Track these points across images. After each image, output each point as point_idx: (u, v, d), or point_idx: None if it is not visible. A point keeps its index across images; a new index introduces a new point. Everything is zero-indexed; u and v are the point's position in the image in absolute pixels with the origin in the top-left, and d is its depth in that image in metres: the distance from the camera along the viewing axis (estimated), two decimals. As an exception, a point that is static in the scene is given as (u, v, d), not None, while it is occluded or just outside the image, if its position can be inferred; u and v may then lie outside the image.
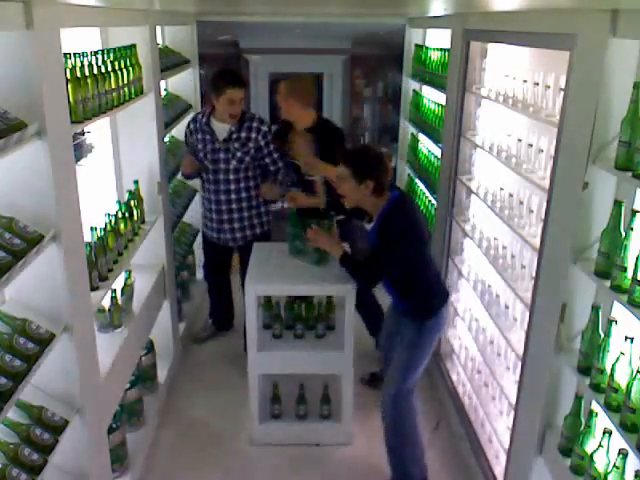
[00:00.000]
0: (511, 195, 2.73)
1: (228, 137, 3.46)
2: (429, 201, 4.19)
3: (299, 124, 3.55)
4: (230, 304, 4.24)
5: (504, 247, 2.80)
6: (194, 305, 4.52)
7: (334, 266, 3.06)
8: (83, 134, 3.47)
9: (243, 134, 3.47)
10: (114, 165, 3.31)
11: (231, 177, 3.51)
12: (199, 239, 4.84)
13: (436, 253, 3.78)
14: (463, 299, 3.52)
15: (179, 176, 4.20)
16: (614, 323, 1.79)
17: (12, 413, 1.85)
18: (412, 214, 2.62)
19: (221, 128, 3.48)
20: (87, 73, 2.34)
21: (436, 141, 3.92)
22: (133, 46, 3.00)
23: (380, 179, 2.53)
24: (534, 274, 2.32)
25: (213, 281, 4.16)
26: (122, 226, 2.83)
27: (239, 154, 3.47)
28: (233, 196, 3.55)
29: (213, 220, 3.66)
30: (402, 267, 2.63)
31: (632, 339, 1.71)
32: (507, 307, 2.76)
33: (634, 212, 1.70)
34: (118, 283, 2.82)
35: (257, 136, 3.48)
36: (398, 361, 2.73)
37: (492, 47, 3.15)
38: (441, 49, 3.86)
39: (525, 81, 2.58)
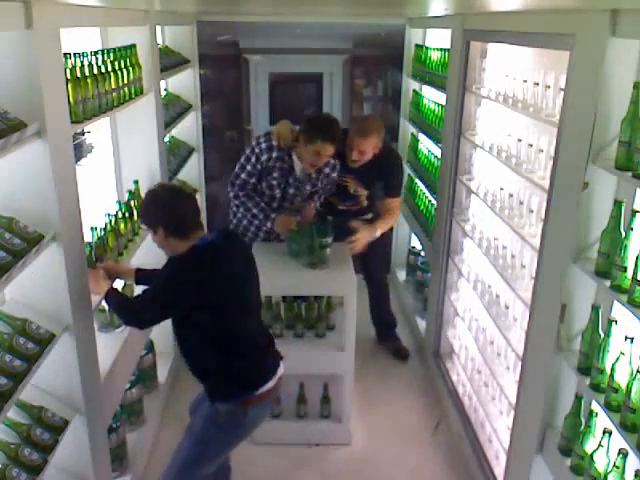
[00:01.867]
0: (511, 195, 2.73)
1: (303, 178, 3.38)
2: (429, 201, 4.19)
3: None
4: None
5: (504, 247, 2.80)
6: (194, 305, 4.52)
7: (333, 267, 3.07)
8: (83, 134, 3.47)
9: (314, 175, 3.42)
10: (114, 165, 3.31)
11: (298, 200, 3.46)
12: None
13: (436, 253, 3.78)
14: (463, 299, 3.52)
15: (180, 175, 4.20)
16: (614, 323, 1.79)
17: (12, 413, 1.86)
18: (209, 268, 2.21)
19: (299, 166, 3.34)
20: (87, 73, 2.34)
21: (436, 141, 3.92)
22: (133, 46, 3.00)
23: (170, 223, 2.24)
24: (534, 274, 2.32)
25: None
26: (122, 226, 2.83)
27: (306, 193, 3.46)
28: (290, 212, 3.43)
29: (251, 235, 3.50)
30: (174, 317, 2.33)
31: (632, 339, 1.71)
32: (507, 307, 2.76)
33: (634, 212, 1.70)
34: (118, 283, 2.82)
35: (324, 178, 3.46)
36: (179, 450, 2.36)
37: (492, 47, 3.15)
38: (441, 49, 3.86)
39: (525, 81, 2.58)
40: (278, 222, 3.31)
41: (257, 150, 3.30)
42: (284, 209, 3.41)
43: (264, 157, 3.29)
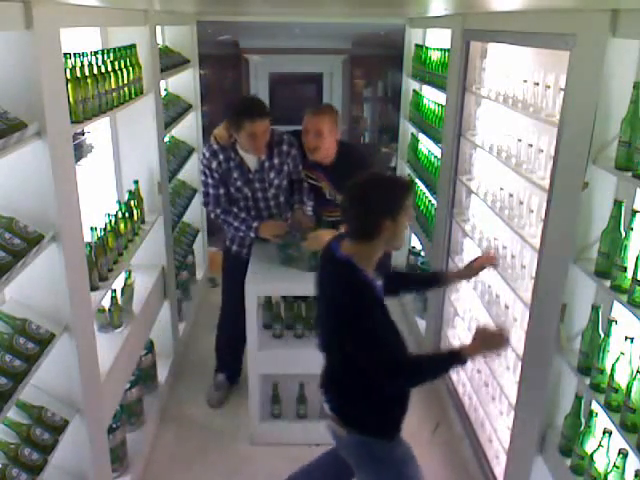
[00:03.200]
0: (511, 195, 2.73)
1: (259, 168, 3.24)
2: (429, 201, 4.19)
3: (327, 159, 3.36)
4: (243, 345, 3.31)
5: (504, 247, 2.80)
6: (194, 305, 4.53)
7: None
8: (83, 134, 3.47)
9: (276, 161, 3.27)
10: (114, 165, 3.31)
11: (271, 203, 3.34)
12: (199, 239, 4.86)
13: (436, 253, 3.78)
14: (463, 299, 3.52)
15: (180, 175, 4.20)
16: (614, 323, 1.79)
17: (12, 413, 1.86)
18: None
19: (250, 157, 3.22)
20: (87, 73, 2.34)
21: (436, 141, 3.92)
22: (133, 46, 3.00)
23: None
24: (534, 274, 2.32)
25: (240, 306, 3.05)
26: (122, 226, 2.83)
27: (276, 182, 3.31)
28: (275, 213, 3.37)
29: (252, 239, 3.35)
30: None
31: (632, 339, 1.71)
32: (507, 307, 2.76)
33: (634, 212, 1.70)
34: (118, 283, 2.82)
35: (287, 158, 3.31)
36: None
37: (492, 47, 3.15)
38: (441, 49, 3.86)
39: (525, 81, 2.58)
40: (264, 229, 3.22)
41: (205, 162, 3.22)
42: (264, 210, 3.33)
43: (214, 164, 3.20)
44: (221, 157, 3.21)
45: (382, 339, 1.95)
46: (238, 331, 3.19)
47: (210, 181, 3.24)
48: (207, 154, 3.23)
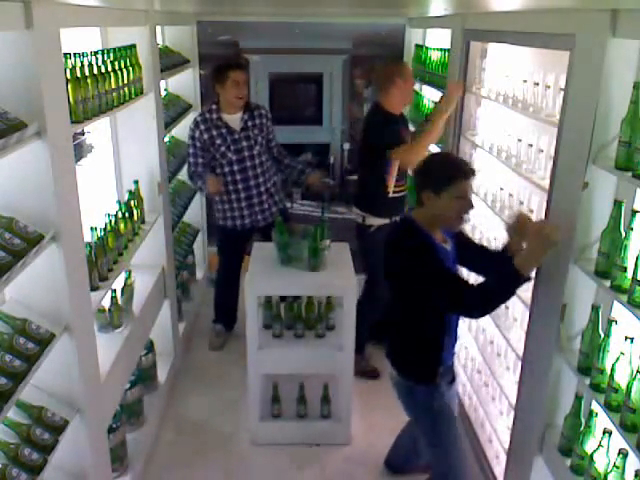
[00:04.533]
0: (511, 195, 2.72)
1: (244, 126, 3.67)
2: (429, 201, 4.18)
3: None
4: (237, 301, 4.20)
5: (504, 247, 2.80)
6: (194, 305, 4.52)
7: (333, 268, 3.06)
8: (83, 134, 3.47)
9: (257, 121, 3.73)
10: (114, 165, 3.31)
11: (256, 162, 3.73)
12: (199, 239, 4.86)
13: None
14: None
15: (180, 175, 4.20)
16: (614, 323, 1.79)
17: (12, 413, 1.85)
18: None
19: (233, 120, 3.67)
20: (87, 73, 2.34)
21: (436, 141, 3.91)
22: (133, 46, 3.00)
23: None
24: (534, 274, 2.32)
25: (234, 273, 4.05)
26: (122, 226, 2.83)
27: (259, 139, 3.73)
28: (261, 179, 3.77)
29: (243, 208, 3.80)
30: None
31: (632, 339, 1.71)
32: (507, 307, 2.76)
33: (634, 212, 1.70)
34: (118, 283, 2.82)
35: (267, 121, 3.78)
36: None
37: (492, 47, 3.15)
38: (441, 49, 3.86)
39: (525, 81, 2.58)
40: (210, 183, 3.58)
41: (189, 133, 3.70)
42: (250, 169, 3.70)
43: (197, 133, 3.66)
44: (202, 127, 3.66)
45: (445, 275, 2.15)
46: (232, 290, 4.09)
47: (191, 150, 3.70)
48: (192, 126, 3.70)
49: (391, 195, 3.51)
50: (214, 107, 3.69)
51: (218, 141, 3.64)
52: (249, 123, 3.70)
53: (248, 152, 3.69)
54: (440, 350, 2.33)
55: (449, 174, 2.15)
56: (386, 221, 3.52)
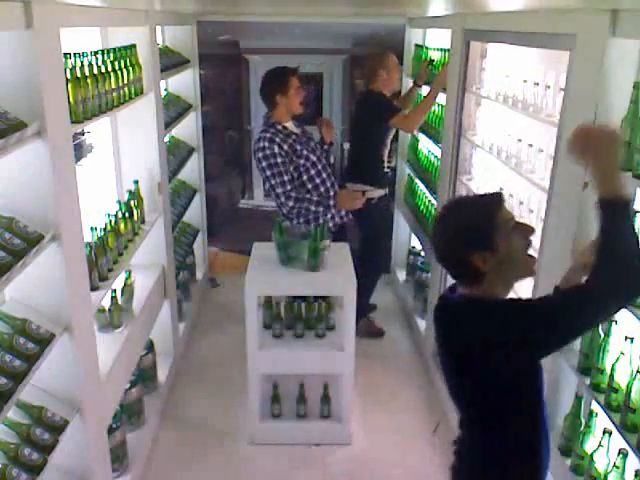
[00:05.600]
0: (511, 195, 2.73)
1: (303, 131, 3.52)
2: (429, 201, 4.19)
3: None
4: None
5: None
6: (194, 305, 4.53)
7: (333, 268, 3.06)
8: (83, 134, 3.46)
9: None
10: (114, 165, 3.31)
11: (325, 161, 3.54)
12: (199, 239, 4.86)
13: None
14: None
15: (180, 175, 4.20)
16: (614, 323, 1.79)
17: (12, 413, 1.85)
18: None
19: (291, 125, 3.45)
20: (87, 73, 2.34)
21: (436, 141, 3.92)
22: (133, 46, 3.00)
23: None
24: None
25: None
26: (122, 226, 2.83)
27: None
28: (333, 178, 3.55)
29: (331, 206, 3.40)
30: None
31: (632, 339, 1.71)
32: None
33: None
34: (118, 283, 2.82)
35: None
36: None
37: (492, 47, 3.15)
38: (441, 49, 3.86)
39: (525, 81, 2.58)
40: (341, 200, 3.38)
41: (268, 152, 3.27)
42: (329, 174, 3.47)
43: (276, 149, 3.27)
44: (278, 139, 3.29)
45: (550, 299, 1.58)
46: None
47: (275, 171, 3.27)
48: (265, 144, 3.27)
49: (385, 168, 3.98)
50: (272, 119, 3.38)
51: (298, 146, 3.34)
52: (302, 128, 3.55)
53: (317, 157, 3.45)
54: (540, 457, 1.69)
55: (488, 218, 1.55)
56: (384, 192, 4.00)
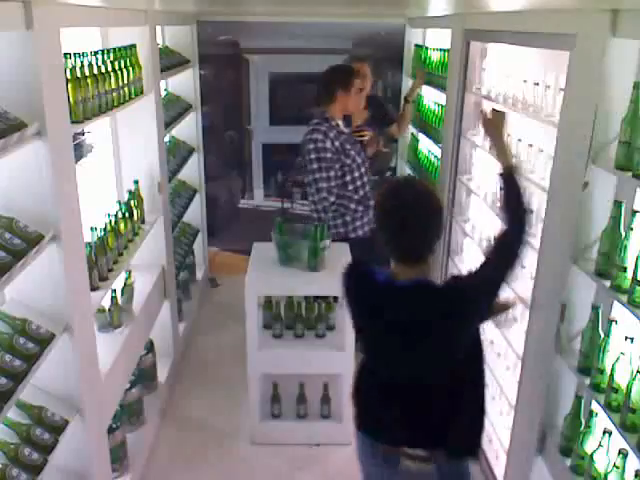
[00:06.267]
0: (511, 195, 2.72)
1: (350, 131, 3.52)
2: (429, 201, 4.19)
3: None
4: None
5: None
6: (194, 305, 4.53)
7: (332, 268, 3.06)
8: (83, 134, 3.46)
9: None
10: (114, 165, 3.31)
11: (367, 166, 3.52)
12: (199, 239, 4.86)
13: (436, 253, 3.78)
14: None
15: (180, 175, 4.20)
16: (614, 323, 1.79)
17: (12, 413, 1.85)
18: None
19: (343, 127, 3.45)
20: (87, 73, 2.34)
21: (436, 141, 3.92)
22: (133, 46, 3.00)
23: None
24: (534, 274, 2.32)
25: None
26: (122, 226, 2.83)
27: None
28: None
29: (368, 215, 3.40)
30: None
31: (632, 339, 1.71)
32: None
33: (634, 212, 1.70)
34: (118, 283, 2.82)
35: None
36: None
37: (492, 47, 3.15)
38: (441, 49, 3.86)
39: (525, 81, 2.58)
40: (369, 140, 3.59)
41: (320, 145, 3.27)
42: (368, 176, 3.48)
43: (327, 144, 3.27)
44: (331, 135, 3.30)
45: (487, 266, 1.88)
46: None
47: (323, 165, 3.27)
48: (319, 136, 3.27)
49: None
50: (327, 113, 3.37)
51: (348, 146, 3.34)
52: (348, 128, 3.55)
53: (362, 155, 3.48)
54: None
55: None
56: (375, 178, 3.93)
